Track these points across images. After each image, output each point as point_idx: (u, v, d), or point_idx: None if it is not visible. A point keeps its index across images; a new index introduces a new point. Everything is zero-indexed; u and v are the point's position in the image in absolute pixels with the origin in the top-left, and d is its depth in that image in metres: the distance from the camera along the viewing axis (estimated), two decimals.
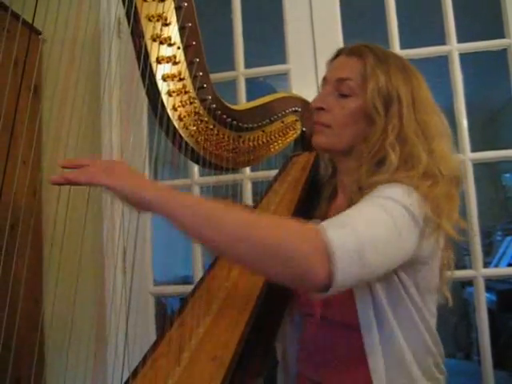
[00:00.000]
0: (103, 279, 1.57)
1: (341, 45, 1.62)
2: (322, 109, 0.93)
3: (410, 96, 0.87)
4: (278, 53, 1.71)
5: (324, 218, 0.96)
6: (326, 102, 0.93)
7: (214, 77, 1.67)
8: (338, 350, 0.88)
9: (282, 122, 1.19)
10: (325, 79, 0.97)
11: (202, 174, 1.68)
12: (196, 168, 1.68)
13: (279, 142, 1.20)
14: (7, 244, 1.14)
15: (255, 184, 1.66)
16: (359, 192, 0.83)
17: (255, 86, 1.73)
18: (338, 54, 0.98)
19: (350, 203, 0.81)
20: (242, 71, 1.70)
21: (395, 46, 1.61)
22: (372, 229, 0.70)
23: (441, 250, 0.85)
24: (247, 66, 1.71)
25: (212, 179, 1.54)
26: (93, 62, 1.69)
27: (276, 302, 0.93)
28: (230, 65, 1.71)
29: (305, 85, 1.61)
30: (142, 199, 0.71)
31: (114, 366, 1.44)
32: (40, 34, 1.65)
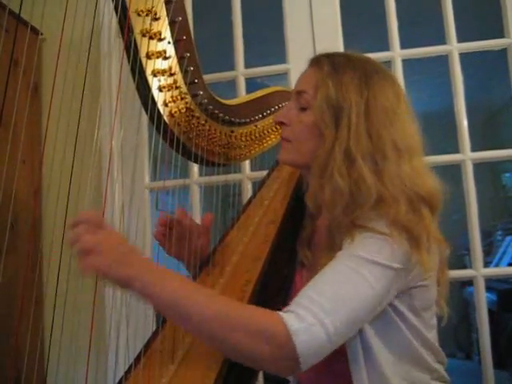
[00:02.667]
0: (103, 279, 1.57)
1: (341, 45, 1.62)
2: (283, 123, 0.92)
3: (362, 106, 0.80)
4: (278, 53, 1.71)
5: (311, 237, 0.97)
6: (287, 116, 0.91)
7: (214, 77, 1.69)
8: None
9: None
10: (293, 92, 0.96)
11: (204, 174, 1.67)
12: (196, 167, 1.68)
13: (272, 136, 1.19)
14: (7, 243, 1.15)
15: (255, 184, 1.65)
16: (338, 228, 0.79)
17: (255, 87, 1.73)
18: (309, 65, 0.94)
19: (331, 235, 0.81)
20: (241, 71, 1.69)
21: (395, 46, 1.60)
22: (344, 303, 0.67)
23: (435, 269, 0.82)
24: (247, 66, 1.70)
25: (211, 179, 1.53)
26: (92, 61, 1.69)
27: (269, 297, 0.92)
28: (230, 65, 1.71)
29: None
30: (122, 278, 0.70)
31: (110, 367, 1.44)
32: (39, 33, 1.66)
